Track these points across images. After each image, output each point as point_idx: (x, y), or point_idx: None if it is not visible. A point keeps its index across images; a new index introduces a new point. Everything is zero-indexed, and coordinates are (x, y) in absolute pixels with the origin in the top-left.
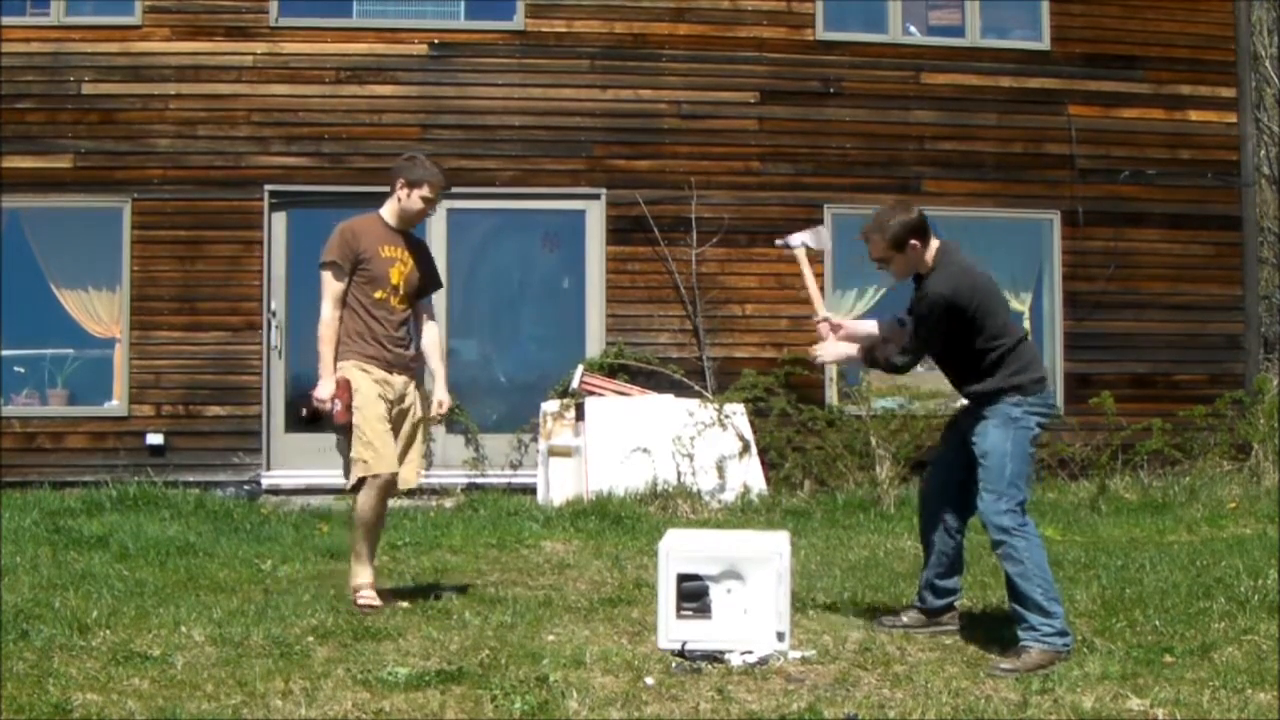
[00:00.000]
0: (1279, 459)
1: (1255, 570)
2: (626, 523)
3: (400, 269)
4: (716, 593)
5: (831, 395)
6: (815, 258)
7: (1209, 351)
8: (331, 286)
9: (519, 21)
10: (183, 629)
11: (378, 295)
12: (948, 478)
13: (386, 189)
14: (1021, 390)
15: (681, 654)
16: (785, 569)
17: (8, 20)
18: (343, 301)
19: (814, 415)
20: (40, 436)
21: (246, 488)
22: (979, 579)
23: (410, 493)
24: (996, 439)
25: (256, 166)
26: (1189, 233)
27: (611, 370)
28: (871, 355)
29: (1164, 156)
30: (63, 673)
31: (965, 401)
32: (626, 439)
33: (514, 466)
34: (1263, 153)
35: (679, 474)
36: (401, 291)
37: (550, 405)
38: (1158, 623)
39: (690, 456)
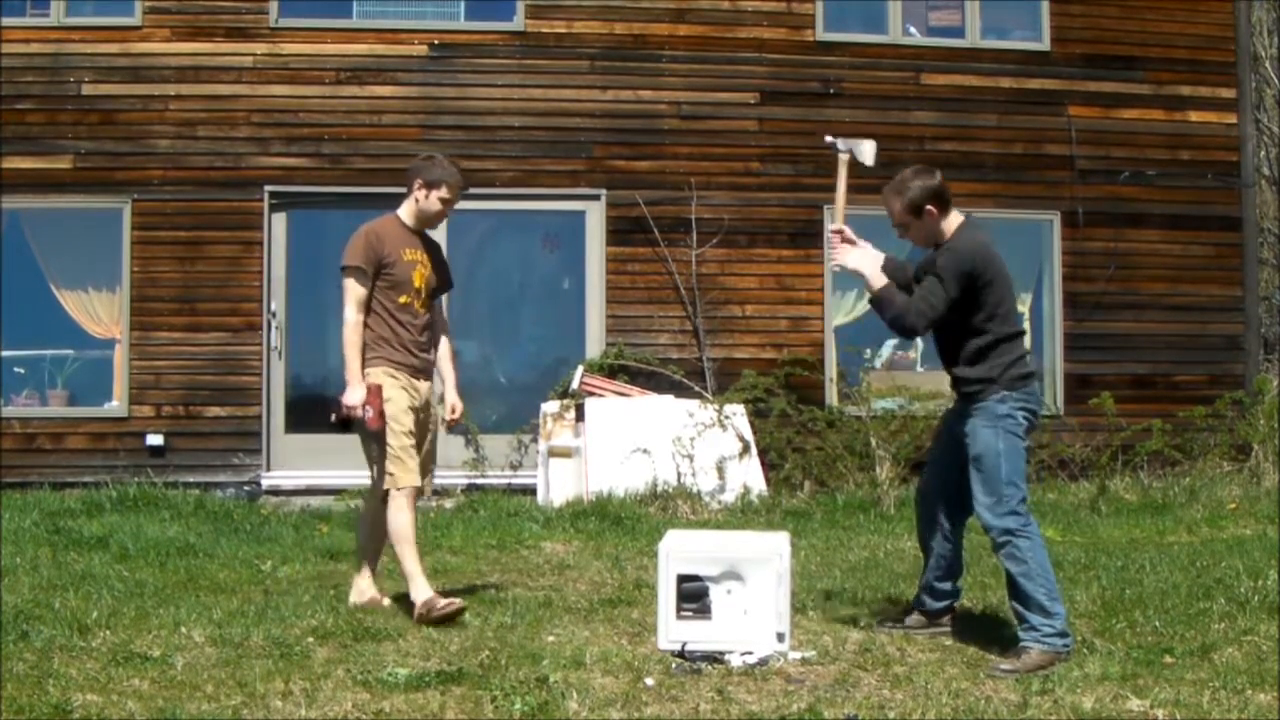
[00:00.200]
0: (1279, 459)
1: (1255, 571)
2: (626, 523)
3: (422, 271)
4: (716, 593)
5: (831, 396)
6: (857, 170)
7: (1209, 352)
8: (356, 292)
9: (519, 22)
10: (183, 629)
11: (402, 300)
12: (943, 480)
13: (386, 189)
14: (1007, 384)
15: (681, 655)
16: (785, 570)
17: (8, 20)
18: (367, 306)
19: (814, 416)
20: (40, 437)
21: (246, 488)
22: (979, 579)
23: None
24: (987, 439)
25: (256, 167)
26: (1189, 233)
27: (611, 371)
28: (888, 300)
29: (1164, 157)
30: (63, 673)
31: (954, 399)
32: (626, 440)
33: (514, 467)
34: (1263, 153)
35: (679, 475)
36: (423, 295)
37: (550, 406)
38: (1158, 623)
39: (690, 457)
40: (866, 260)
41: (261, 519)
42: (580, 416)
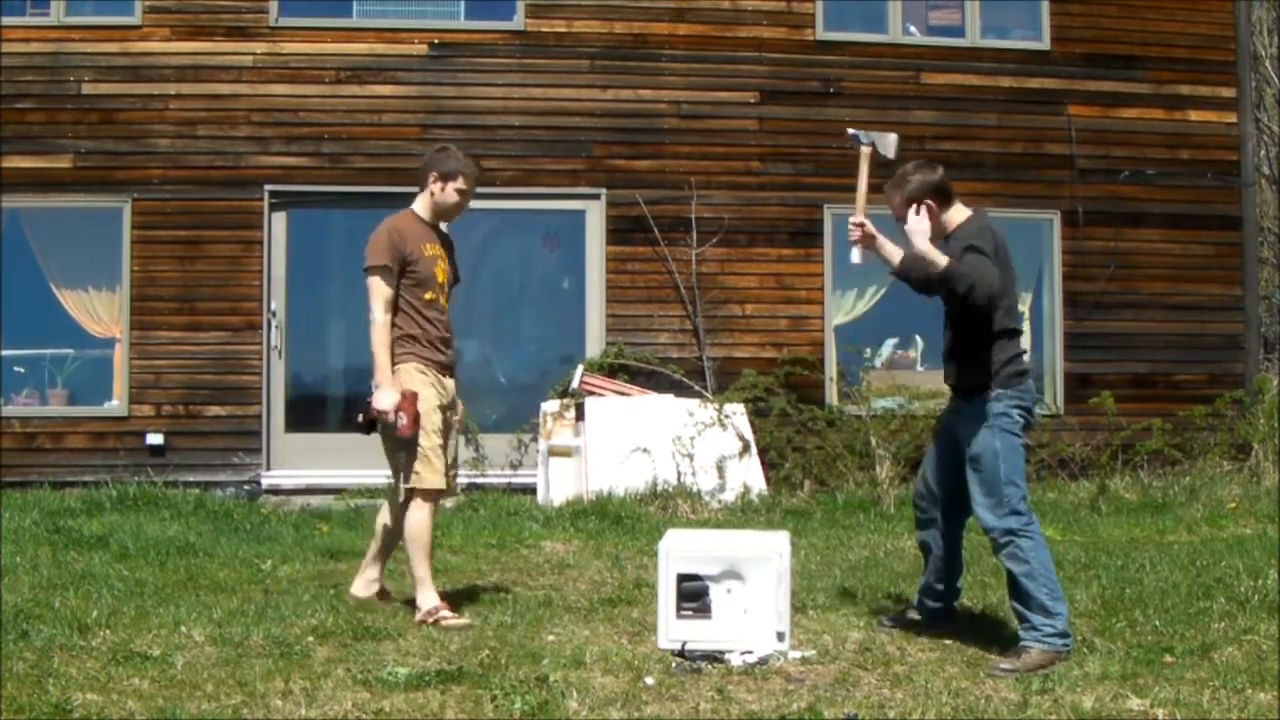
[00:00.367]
0: (1279, 459)
1: (1255, 570)
2: (626, 523)
3: (443, 266)
4: (716, 593)
5: (831, 395)
6: (878, 161)
7: (1209, 351)
8: (383, 291)
9: (519, 21)
10: (183, 629)
11: (428, 296)
12: (940, 480)
13: (386, 189)
14: (1003, 382)
15: (681, 654)
16: (785, 569)
17: (8, 20)
18: (394, 305)
19: (814, 415)
20: (40, 436)
21: (246, 488)
22: (979, 579)
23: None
24: (984, 440)
25: (256, 166)
26: (1189, 233)
27: (611, 370)
28: (958, 273)
29: (1164, 156)
30: (63, 673)
31: (951, 397)
32: (626, 439)
33: (514, 466)
34: (1263, 153)
35: (679, 474)
36: (446, 290)
37: (550, 405)
38: (1158, 623)
39: (690, 456)
40: (923, 240)
41: (261, 518)
42: (580, 416)
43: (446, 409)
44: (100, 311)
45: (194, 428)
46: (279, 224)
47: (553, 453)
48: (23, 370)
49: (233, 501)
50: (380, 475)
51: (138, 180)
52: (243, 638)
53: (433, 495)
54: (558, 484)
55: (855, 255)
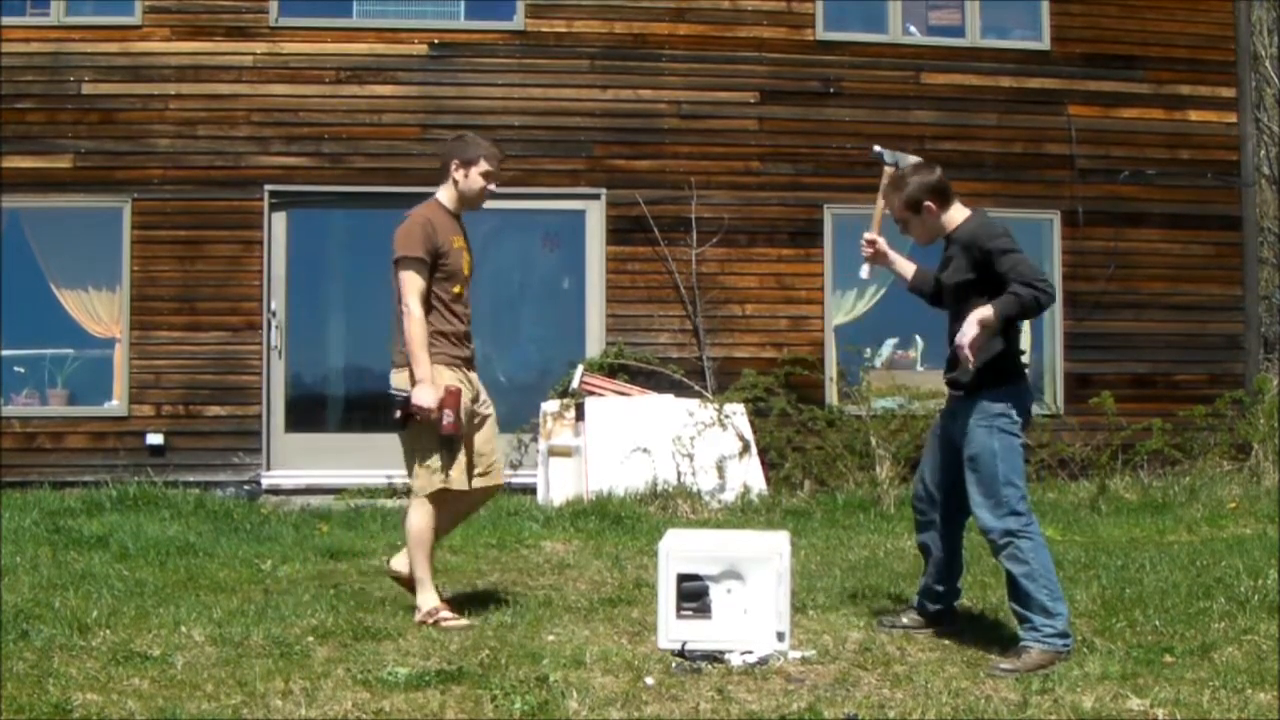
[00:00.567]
0: (1279, 459)
1: (1255, 570)
2: (626, 523)
3: (468, 259)
4: (716, 593)
5: (831, 395)
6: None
7: (1209, 351)
8: (417, 284)
9: (519, 21)
10: (183, 629)
11: (456, 290)
12: (939, 481)
13: (386, 189)
14: (1001, 381)
15: (681, 654)
16: (785, 569)
17: (8, 20)
18: (428, 299)
19: (814, 415)
20: (40, 436)
21: (246, 488)
22: (979, 579)
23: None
24: (982, 439)
25: (256, 166)
26: (1189, 233)
27: (611, 370)
28: (1010, 308)
29: (1164, 156)
30: (63, 673)
31: (949, 397)
32: (626, 439)
33: (514, 466)
34: (1263, 153)
35: (679, 474)
36: (469, 283)
37: (550, 405)
38: (1158, 623)
39: (690, 456)
40: (983, 323)
41: (261, 518)
42: (580, 416)
43: (474, 404)
44: (100, 311)
45: (194, 428)
46: (279, 224)
47: (553, 453)
48: (23, 370)
49: (233, 501)
50: (380, 475)
51: (138, 180)
52: (243, 638)
53: (438, 497)
54: (558, 484)
55: (865, 271)
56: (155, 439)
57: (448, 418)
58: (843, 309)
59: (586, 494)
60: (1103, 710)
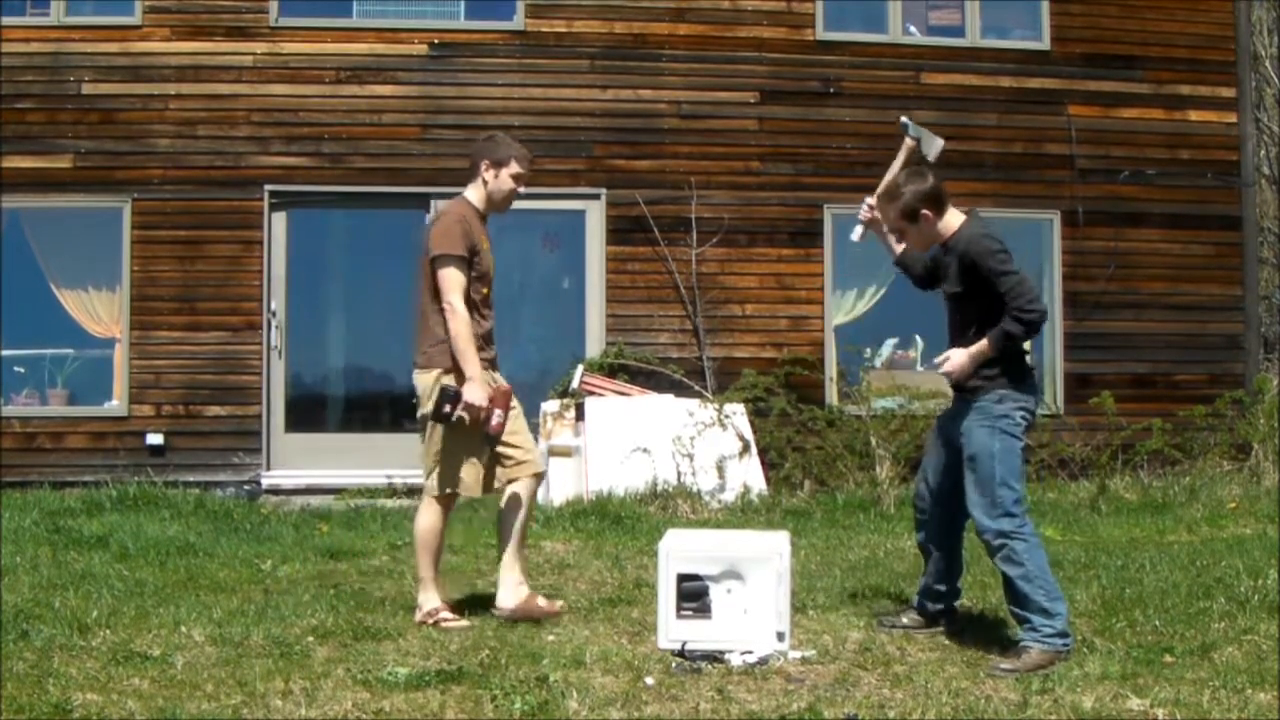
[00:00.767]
0: (1279, 459)
1: (1255, 570)
2: (626, 523)
3: (493, 260)
4: (716, 593)
5: (831, 395)
6: (916, 157)
7: (1209, 351)
8: (459, 281)
9: (519, 21)
10: (183, 629)
11: (485, 291)
12: (939, 482)
13: (386, 189)
14: (1006, 383)
15: (681, 654)
16: (785, 569)
17: (8, 20)
18: (469, 297)
19: (814, 415)
20: (40, 436)
21: (246, 488)
22: (979, 579)
23: (410, 492)
24: (982, 439)
25: (256, 166)
26: (1189, 233)
27: (611, 370)
28: (1003, 341)
29: (1164, 156)
30: (63, 673)
31: (952, 397)
32: (626, 439)
33: None
34: (1263, 153)
35: (679, 474)
36: (493, 285)
37: (550, 405)
38: (1158, 623)
39: (690, 456)
40: (973, 358)
41: (261, 518)
42: (580, 416)
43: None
44: (100, 311)
45: (194, 428)
46: (279, 224)
47: (553, 453)
48: (23, 370)
49: (233, 501)
50: (380, 475)
51: (138, 180)
52: (243, 638)
53: (448, 500)
54: (558, 484)
55: (856, 233)
56: (155, 439)
57: (497, 417)
58: (843, 309)
59: (586, 494)
60: (1103, 710)
